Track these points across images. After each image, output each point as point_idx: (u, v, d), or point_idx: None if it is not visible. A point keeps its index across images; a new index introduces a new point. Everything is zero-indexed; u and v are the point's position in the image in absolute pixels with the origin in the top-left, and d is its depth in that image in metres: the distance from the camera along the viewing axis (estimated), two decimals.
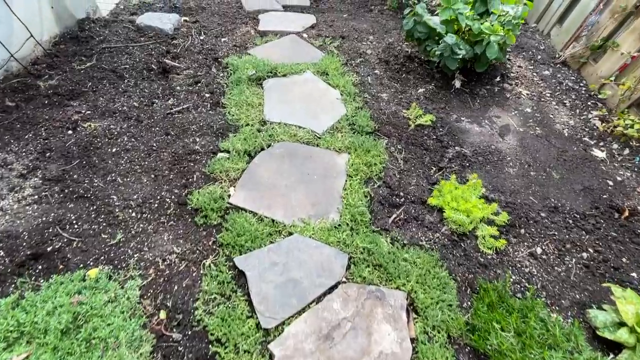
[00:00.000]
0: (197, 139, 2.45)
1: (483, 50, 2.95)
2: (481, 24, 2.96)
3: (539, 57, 3.79)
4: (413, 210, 2.17)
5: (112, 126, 2.45)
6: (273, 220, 1.99)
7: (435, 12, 3.26)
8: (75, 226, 1.87)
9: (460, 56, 2.95)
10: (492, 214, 2.12)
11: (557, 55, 3.79)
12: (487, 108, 3.08)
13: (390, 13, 4.43)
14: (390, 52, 3.65)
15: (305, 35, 3.78)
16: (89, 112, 2.53)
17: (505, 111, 3.07)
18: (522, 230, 2.12)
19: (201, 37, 3.56)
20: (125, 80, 2.88)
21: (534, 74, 3.55)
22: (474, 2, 3.07)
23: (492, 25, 2.89)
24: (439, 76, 3.34)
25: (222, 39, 3.59)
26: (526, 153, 2.68)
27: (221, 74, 3.09)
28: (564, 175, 2.51)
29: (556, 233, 2.13)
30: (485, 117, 2.97)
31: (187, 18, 3.88)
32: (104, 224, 1.89)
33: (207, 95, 2.84)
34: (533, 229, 2.14)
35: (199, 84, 2.94)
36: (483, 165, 2.53)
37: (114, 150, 2.29)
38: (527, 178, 2.47)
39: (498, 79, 3.41)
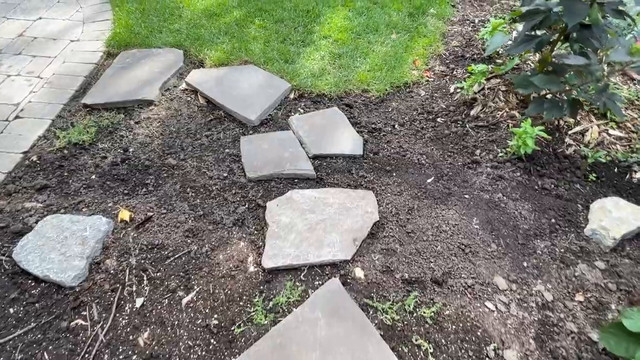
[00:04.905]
0: None
1: None
2: None
3: None
4: None
5: None
6: None
7: None
8: None
9: None
10: None
11: None
12: None
13: (516, 174, 2.30)
14: None
15: (358, 273, 1.79)
16: None
17: None
18: None
19: (137, 304, 1.66)
20: None
21: None
22: None
23: None
24: None
25: (186, 311, 1.65)
26: None
27: None
28: None
29: None
30: None
31: (129, 213, 2.00)
32: None
33: None
34: None
35: None
36: None
37: None
38: None
39: None
